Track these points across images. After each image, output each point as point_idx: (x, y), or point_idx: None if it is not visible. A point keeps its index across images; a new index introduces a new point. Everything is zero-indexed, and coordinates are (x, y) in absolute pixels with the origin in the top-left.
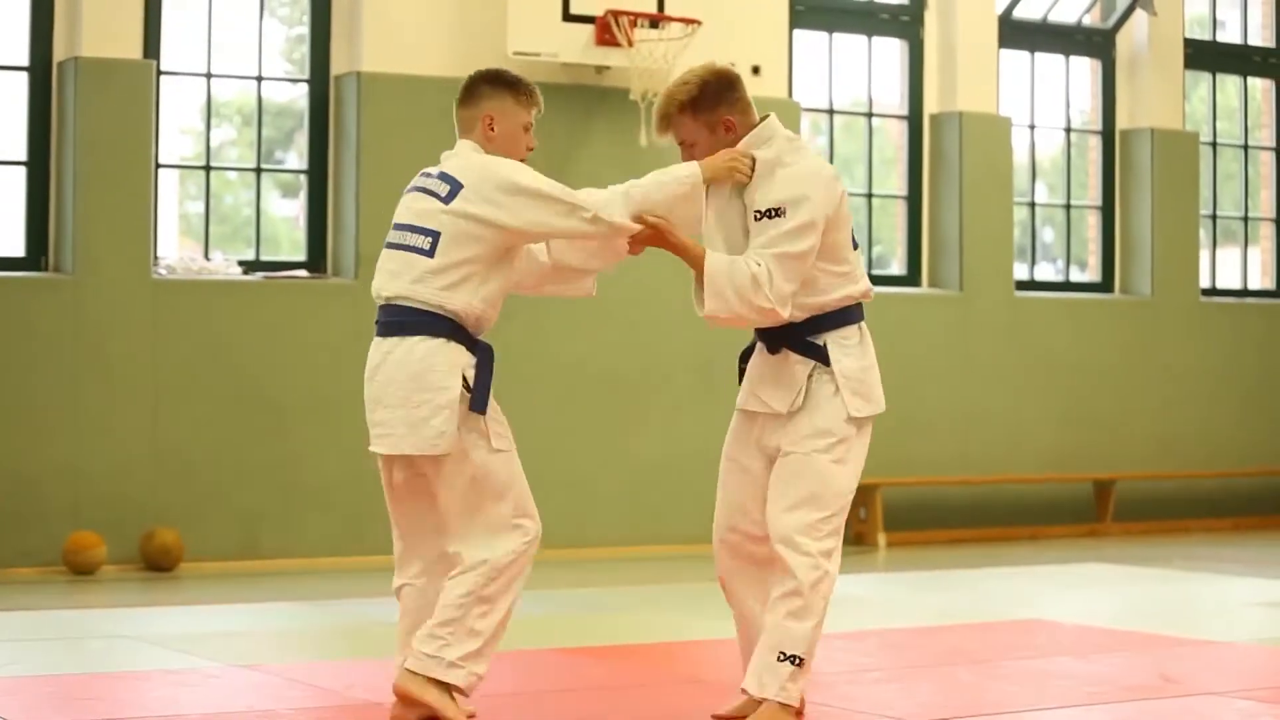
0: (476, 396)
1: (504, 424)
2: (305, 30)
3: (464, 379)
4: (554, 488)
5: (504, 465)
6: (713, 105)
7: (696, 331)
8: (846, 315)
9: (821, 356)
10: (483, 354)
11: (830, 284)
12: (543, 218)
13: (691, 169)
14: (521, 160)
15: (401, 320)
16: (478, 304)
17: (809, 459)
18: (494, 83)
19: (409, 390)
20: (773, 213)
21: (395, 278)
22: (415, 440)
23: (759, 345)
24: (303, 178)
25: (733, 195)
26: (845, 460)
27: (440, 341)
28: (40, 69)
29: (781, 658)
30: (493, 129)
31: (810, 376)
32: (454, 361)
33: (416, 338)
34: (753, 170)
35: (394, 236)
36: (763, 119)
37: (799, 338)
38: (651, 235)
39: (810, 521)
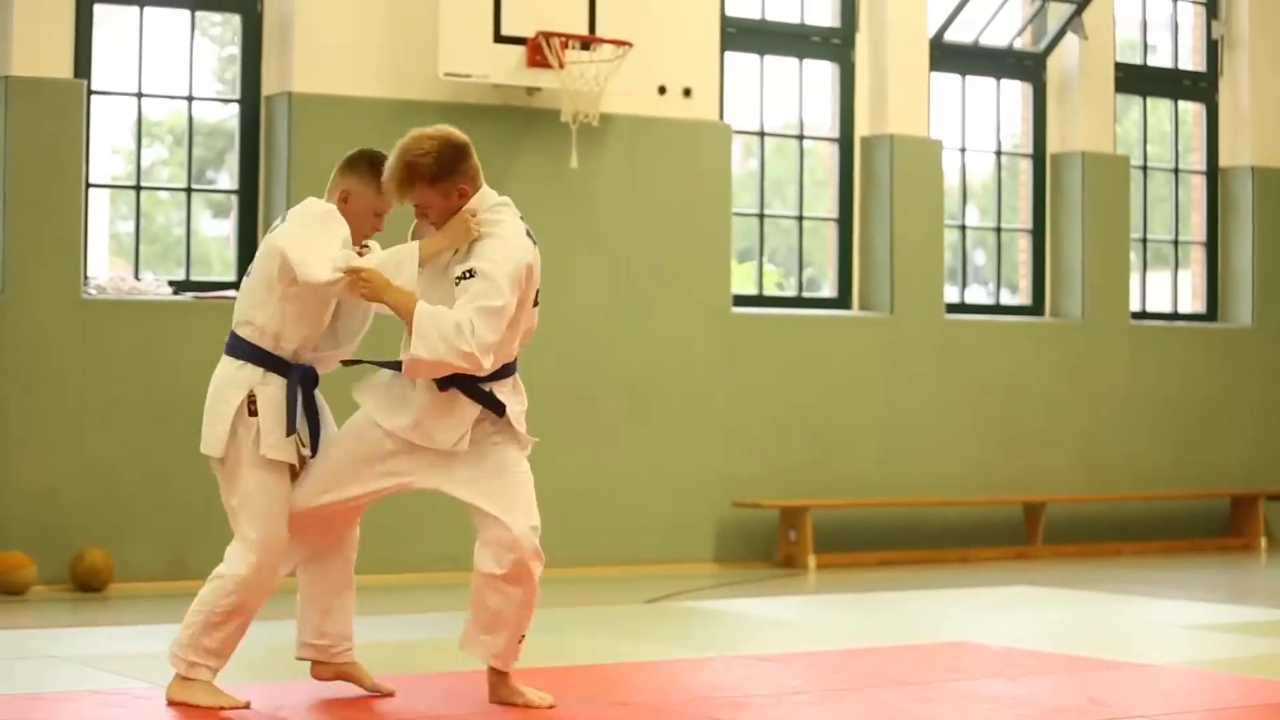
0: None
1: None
2: (236, 50)
3: (250, 395)
4: None
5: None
6: (448, 174)
7: (625, 354)
8: (506, 369)
9: (493, 404)
10: (292, 375)
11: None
12: (293, 255)
13: (413, 247)
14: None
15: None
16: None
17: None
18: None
19: (211, 401)
20: (469, 274)
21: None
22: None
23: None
24: (234, 198)
25: (441, 265)
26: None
27: (239, 364)
28: None
29: None
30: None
31: (478, 421)
32: (243, 380)
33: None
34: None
35: None
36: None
37: (471, 382)
38: (358, 284)
39: None
